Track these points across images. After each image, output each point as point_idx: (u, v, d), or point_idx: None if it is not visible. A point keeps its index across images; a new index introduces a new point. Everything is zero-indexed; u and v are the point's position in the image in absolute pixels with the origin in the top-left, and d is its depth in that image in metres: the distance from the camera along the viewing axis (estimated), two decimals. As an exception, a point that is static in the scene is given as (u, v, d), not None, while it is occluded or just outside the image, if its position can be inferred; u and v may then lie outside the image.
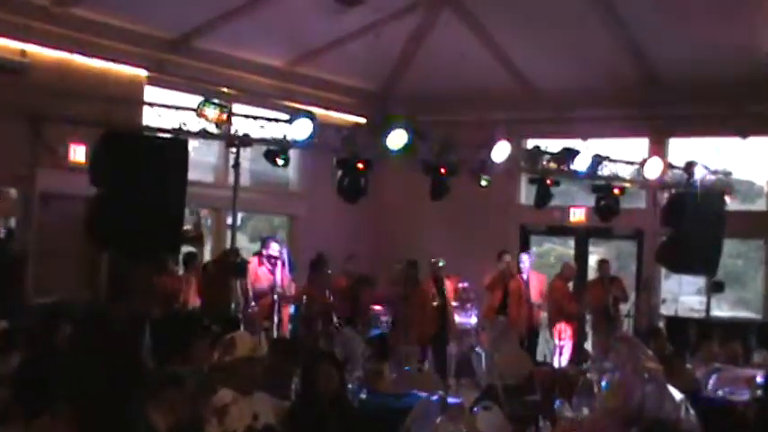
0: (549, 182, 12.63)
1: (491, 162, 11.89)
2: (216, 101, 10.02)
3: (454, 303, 13.03)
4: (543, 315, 13.79)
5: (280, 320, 11.51)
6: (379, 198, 13.87)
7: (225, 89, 13.16)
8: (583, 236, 15.76)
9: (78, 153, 11.32)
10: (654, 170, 12.95)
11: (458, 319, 13.03)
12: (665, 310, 14.67)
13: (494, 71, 14.59)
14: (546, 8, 12.73)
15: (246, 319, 10.90)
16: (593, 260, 15.59)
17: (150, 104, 10.30)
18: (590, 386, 6.30)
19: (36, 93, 10.52)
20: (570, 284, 13.62)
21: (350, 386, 7.38)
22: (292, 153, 10.80)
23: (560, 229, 16.02)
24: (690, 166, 13.15)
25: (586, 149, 13.00)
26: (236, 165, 10.24)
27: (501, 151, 11.78)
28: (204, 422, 5.26)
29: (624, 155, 13.55)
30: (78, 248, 10.86)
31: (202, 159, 13.90)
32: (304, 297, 12.04)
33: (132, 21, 12.09)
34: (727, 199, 13.60)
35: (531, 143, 14.12)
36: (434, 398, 6.93)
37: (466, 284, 13.43)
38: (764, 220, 14.45)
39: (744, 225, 14.10)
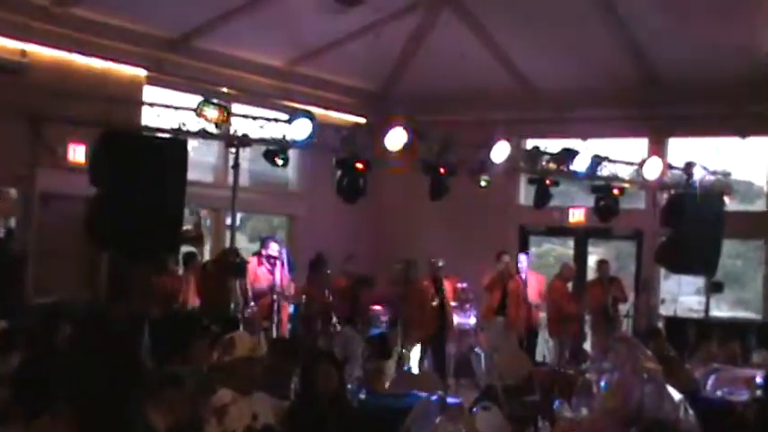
0: (548, 182, 12.62)
1: (490, 162, 11.88)
2: (215, 101, 10.00)
3: (453, 303, 13.02)
4: (542, 315, 13.80)
5: (279, 320, 11.51)
6: (378, 198, 13.85)
7: (224, 89, 13.15)
8: (582, 236, 15.75)
9: (78, 153, 11.32)
10: (653, 170, 12.94)
11: (457, 319, 13.03)
12: (665, 310, 14.67)
13: (493, 71, 14.59)
14: (546, 8, 12.73)
15: (246, 320, 10.90)
16: (592, 260, 15.58)
17: (150, 104, 10.29)
18: (589, 386, 6.29)
19: (36, 93, 10.50)
20: (569, 285, 13.62)
21: (349, 386, 7.39)
22: (292, 153, 10.79)
23: (559, 230, 16.01)
24: (689, 167, 13.16)
25: (586, 150, 12.99)
26: (236, 165, 10.23)
27: (500, 151, 11.77)
28: (203, 422, 5.27)
29: (624, 155, 13.54)
30: (78, 248, 10.85)
31: (202, 159, 13.90)
32: (303, 297, 12.05)
33: (132, 20, 12.10)
34: (726, 199, 13.60)
35: (530, 143, 14.12)
36: (434, 398, 6.95)
37: (465, 285, 13.42)
38: (764, 220, 14.45)
39: (743, 225, 14.11)
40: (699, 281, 14.99)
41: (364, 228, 15.22)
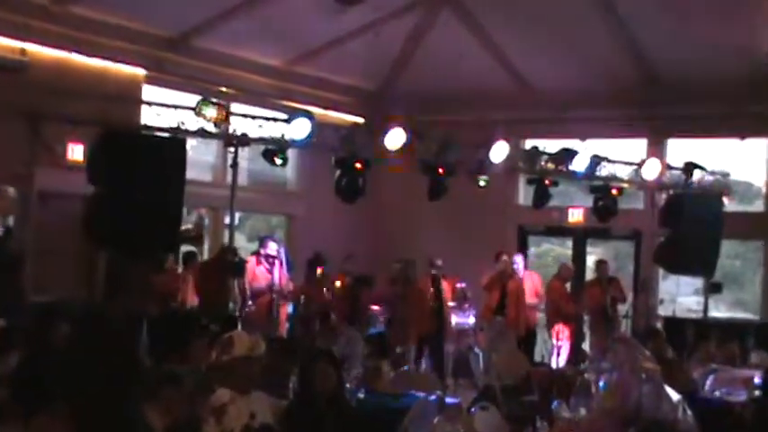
0: (547, 182, 12.63)
1: (489, 162, 11.89)
2: (214, 100, 10.00)
3: (452, 303, 13.03)
4: (539, 315, 13.80)
5: (278, 319, 11.51)
6: (377, 198, 13.86)
7: (223, 88, 13.14)
8: (581, 236, 15.75)
9: (77, 152, 11.31)
10: (652, 171, 12.95)
11: (455, 319, 13.03)
12: (663, 310, 14.67)
13: (493, 71, 14.59)
14: (545, 8, 12.73)
15: (244, 319, 10.90)
16: (590, 261, 15.57)
17: (148, 103, 10.28)
18: (587, 386, 6.30)
19: (35, 91, 10.49)
20: (568, 285, 13.62)
21: (348, 386, 7.38)
22: (290, 152, 10.79)
23: (558, 230, 16.02)
24: (688, 167, 13.17)
25: (585, 150, 13.00)
26: (235, 164, 10.23)
27: (499, 151, 11.78)
28: (202, 421, 5.26)
29: (622, 155, 13.55)
30: (76, 247, 10.85)
31: (200, 158, 13.89)
32: (302, 296, 12.05)
33: (131, 19, 12.09)
34: (725, 200, 13.61)
35: (529, 143, 14.13)
36: (432, 398, 6.95)
37: (464, 284, 13.42)
38: (762, 221, 14.46)
39: (742, 226, 14.11)
40: (697, 281, 15.01)
41: (363, 227, 15.22)
